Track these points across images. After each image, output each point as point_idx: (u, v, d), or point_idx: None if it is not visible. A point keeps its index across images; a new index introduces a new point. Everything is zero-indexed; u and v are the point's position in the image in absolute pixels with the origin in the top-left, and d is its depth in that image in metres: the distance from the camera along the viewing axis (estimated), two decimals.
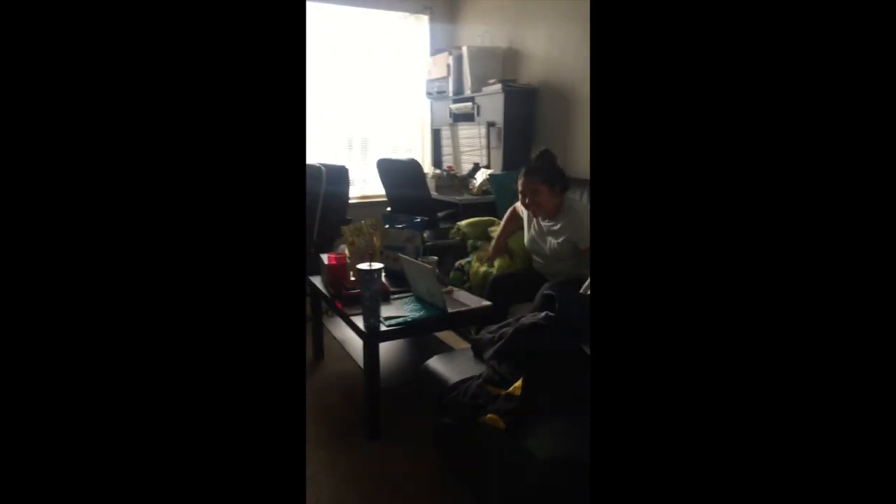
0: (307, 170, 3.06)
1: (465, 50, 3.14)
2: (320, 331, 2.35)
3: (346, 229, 2.20)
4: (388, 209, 3.06)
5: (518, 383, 1.28)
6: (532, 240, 2.16)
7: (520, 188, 2.06)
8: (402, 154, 3.61)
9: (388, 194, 3.13)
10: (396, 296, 1.97)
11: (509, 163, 2.94)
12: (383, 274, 2.09)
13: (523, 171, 2.06)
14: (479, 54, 3.12)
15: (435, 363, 1.55)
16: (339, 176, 3.03)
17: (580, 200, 2.17)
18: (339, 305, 1.91)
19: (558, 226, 2.04)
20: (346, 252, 2.15)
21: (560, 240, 2.03)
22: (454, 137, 3.60)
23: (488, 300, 1.95)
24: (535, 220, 2.13)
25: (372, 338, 1.66)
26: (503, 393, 1.28)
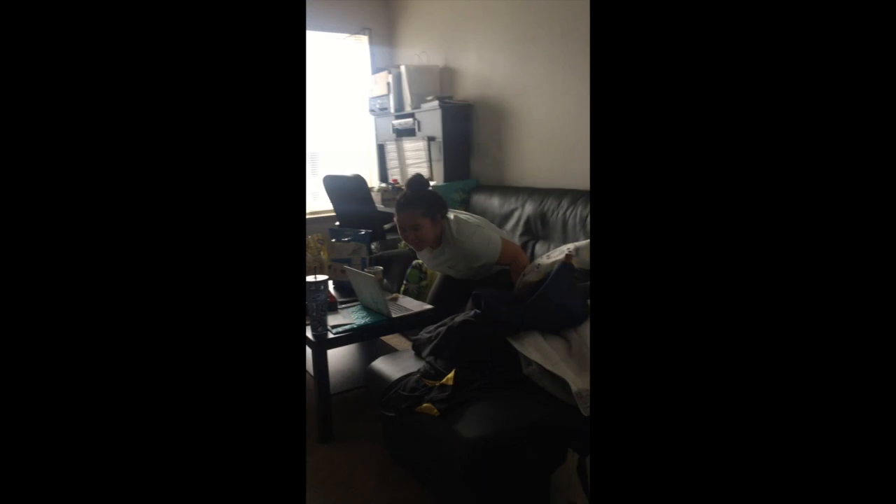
0: None
1: (403, 69, 3.30)
2: None
3: (309, 238, 2.30)
4: (337, 223, 3.16)
5: (450, 375, 1.42)
6: (432, 264, 2.10)
7: (398, 224, 1.92)
8: (349, 169, 3.72)
9: (335, 209, 3.24)
10: (344, 305, 2.08)
11: (451, 174, 3.11)
12: (330, 285, 2.20)
13: (398, 204, 1.90)
14: (416, 72, 3.29)
15: (379, 364, 1.67)
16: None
17: (455, 220, 1.96)
18: None
19: (445, 255, 1.97)
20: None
21: (454, 265, 2.00)
22: (399, 151, 3.74)
23: (437, 300, 2.09)
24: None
25: (319, 346, 1.76)
26: (437, 384, 1.42)
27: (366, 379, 1.70)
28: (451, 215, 1.98)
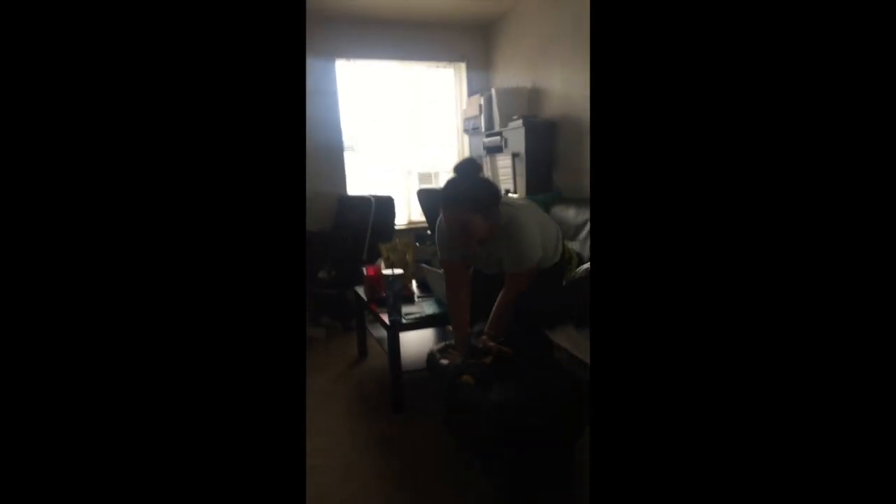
0: (358, 201, 3.61)
1: (493, 91, 3.60)
2: (364, 334, 2.81)
3: (383, 248, 2.67)
4: (428, 232, 3.51)
5: (488, 358, 1.64)
6: (478, 263, 1.79)
7: (443, 225, 1.62)
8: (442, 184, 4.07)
9: (427, 219, 3.60)
10: (421, 298, 2.39)
11: (532, 187, 3.32)
12: (413, 281, 2.53)
13: (443, 200, 1.56)
14: (505, 94, 3.56)
15: (436, 347, 1.94)
16: (386, 206, 3.55)
17: (519, 211, 1.66)
18: (374, 307, 2.35)
19: (494, 247, 1.66)
20: (382, 265, 2.61)
21: (490, 263, 1.74)
22: (492, 167, 4.03)
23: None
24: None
25: (392, 328, 2.08)
26: (481, 361, 1.65)
27: (428, 359, 1.98)
28: (510, 208, 1.65)
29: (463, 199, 1.53)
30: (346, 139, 3.82)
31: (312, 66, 3.57)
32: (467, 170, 1.59)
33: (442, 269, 1.89)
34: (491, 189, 1.60)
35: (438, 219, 1.68)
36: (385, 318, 2.14)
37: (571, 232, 2.81)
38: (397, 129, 4.11)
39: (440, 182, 4.24)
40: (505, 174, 3.76)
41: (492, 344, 1.59)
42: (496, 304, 1.66)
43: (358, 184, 3.93)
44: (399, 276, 2.12)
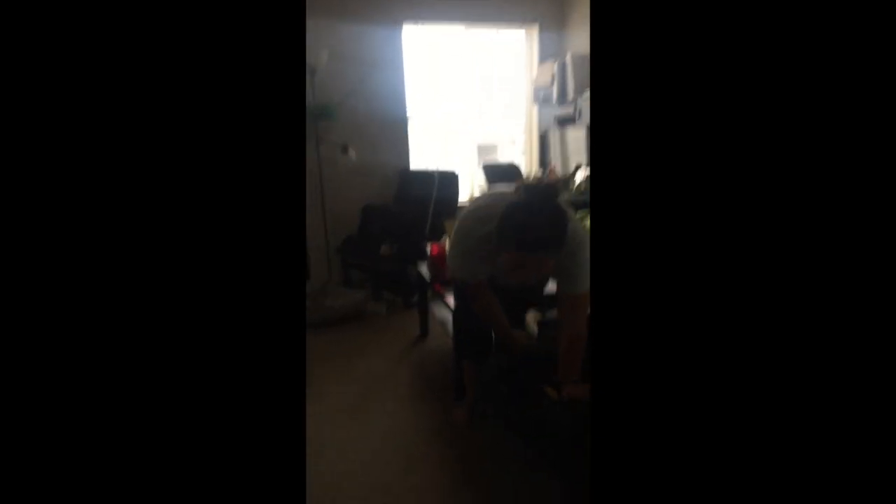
0: (421, 176, 3.49)
1: (568, 57, 3.32)
2: (426, 313, 2.73)
3: (449, 225, 2.54)
4: None
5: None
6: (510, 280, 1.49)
7: (518, 261, 1.25)
8: (513, 157, 3.87)
9: None
10: None
11: None
12: None
13: (527, 244, 1.21)
14: (581, 61, 3.28)
15: None
16: (449, 181, 3.41)
17: (577, 222, 1.38)
18: (438, 288, 2.25)
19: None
20: (447, 243, 2.49)
21: (544, 278, 1.66)
22: (563, 140, 3.78)
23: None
24: None
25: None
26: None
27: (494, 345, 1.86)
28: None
29: (537, 244, 1.20)
30: (410, 110, 3.68)
31: (375, 33, 3.44)
32: (544, 202, 1.22)
33: (459, 291, 1.68)
34: (565, 220, 1.23)
35: (457, 231, 1.46)
36: (450, 300, 2.03)
37: None
38: (463, 99, 3.92)
39: (503, 156, 4.04)
40: (577, 148, 3.51)
41: (577, 390, 1.36)
42: (564, 342, 1.39)
43: (421, 157, 3.80)
44: None
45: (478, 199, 1.60)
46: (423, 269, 2.56)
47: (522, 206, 1.23)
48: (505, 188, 1.55)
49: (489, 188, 3.42)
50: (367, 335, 2.81)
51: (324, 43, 3.15)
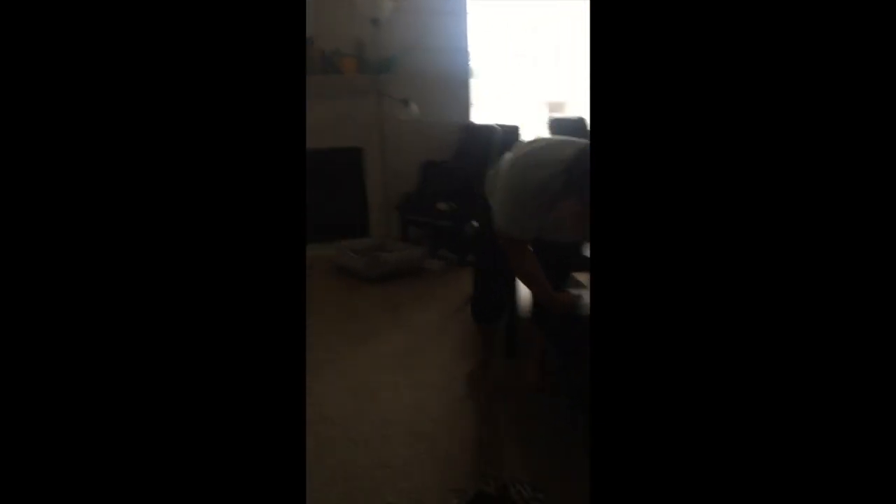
0: (483, 131, 3.39)
1: None
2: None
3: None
4: None
5: None
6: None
7: (580, 217, 1.24)
8: (582, 114, 3.67)
9: None
10: None
11: None
12: None
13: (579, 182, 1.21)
14: None
15: None
16: (511, 136, 3.29)
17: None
18: None
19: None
20: None
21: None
22: None
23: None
24: None
25: None
26: None
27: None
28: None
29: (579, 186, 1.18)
30: (474, 64, 3.56)
31: None
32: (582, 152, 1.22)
33: (490, 252, 1.52)
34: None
35: (509, 178, 1.35)
36: None
37: None
38: (526, 52, 3.74)
39: (570, 111, 3.83)
40: None
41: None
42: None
43: (484, 112, 3.69)
44: None
45: (530, 142, 1.49)
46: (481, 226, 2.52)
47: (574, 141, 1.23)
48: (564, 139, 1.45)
49: None
50: (422, 290, 2.82)
51: None
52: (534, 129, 3.74)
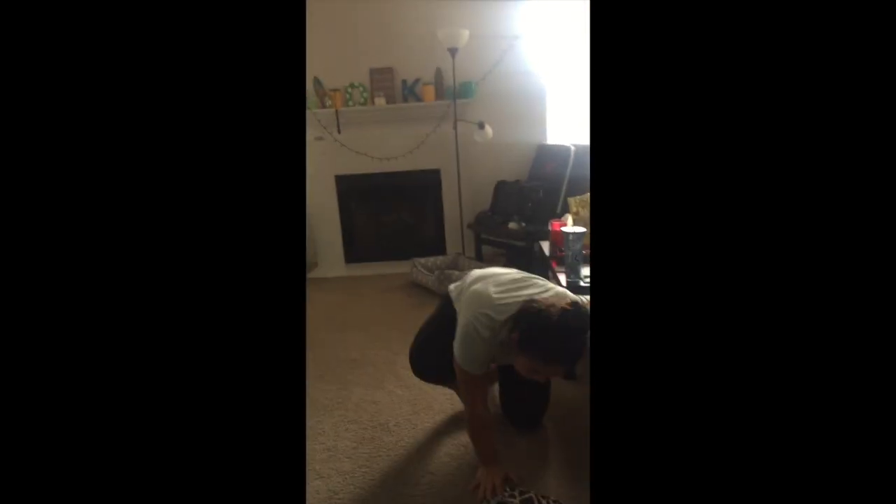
0: (556, 150, 3.41)
1: None
2: None
3: (572, 201, 2.48)
4: None
5: None
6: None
7: (531, 370, 1.32)
8: None
9: None
10: None
11: None
12: None
13: (548, 358, 1.28)
14: None
15: None
16: (586, 156, 3.28)
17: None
18: (554, 264, 2.23)
19: None
20: (570, 220, 2.43)
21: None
22: None
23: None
24: None
25: (570, 291, 1.93)
26: None
27: None
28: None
29: (562, 359, 1.30)
30: (550, 85, 3.59)
31: (514, 9, 3.41)
32: (581, 326, 1.24)
33: (462, 381, 1.50)
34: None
35: (469, 323, 1.37)
36: (562, 277, 2.00)
37: None
38: None
39: None
40: None
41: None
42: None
43: (560, 133, 3.70)
44: (580, 234, 1.94)
45: (487, 293, 1.44)
46: (545, 246, 2.55)
47: (559, 323, 1.24)
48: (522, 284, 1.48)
49: None
50: None
51: (465, 23, 3.23)
52: None
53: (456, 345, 1.42)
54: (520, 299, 1.36)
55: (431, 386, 2.06)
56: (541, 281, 1.54)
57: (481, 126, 3.32)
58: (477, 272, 1.62)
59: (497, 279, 1.50)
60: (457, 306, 1.57)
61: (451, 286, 1.71)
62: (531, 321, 1.26)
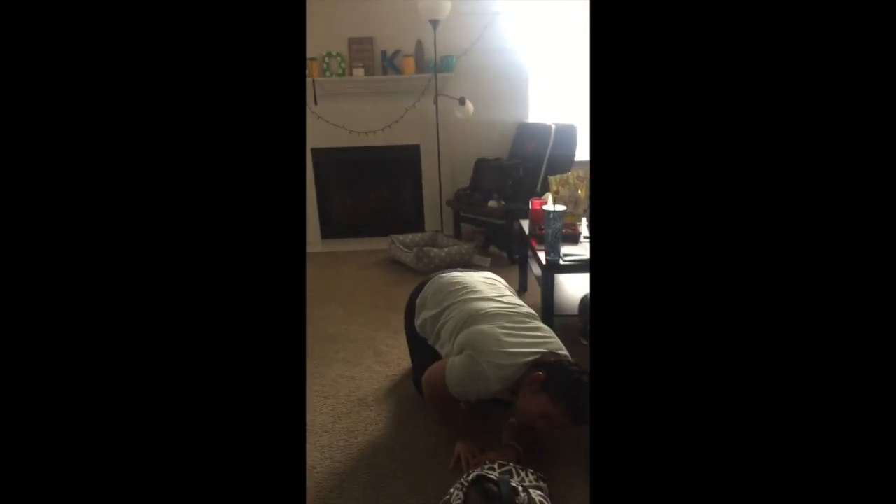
0: (537, 129, 3.40)
1: None
2: (525, 269, 2.73)
3: (552, 179, 2.48)
4: None
5: None
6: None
7: (542, 413, 1.35)
8: None
9: None
10: (588, 240, 2.18)
11: None
12: (584, 220, 2.32)
13: (541, 391, 1.34)
14: None
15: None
16: (566, 134, 3.27)
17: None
18: (534, 243, 2.23)
19: None
20: (550, 199, 2.44)
21: None
22: None
23: None
24: None
25: (547, 269, 1.95)
26: None
27: (580, 307, 1.81)
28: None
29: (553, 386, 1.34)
30: (530, 63, 3.56)
31: None
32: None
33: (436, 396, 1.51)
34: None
35: (474, 362, 1.40)
36: (542, 256, 2.01)
37: None
38: (582, 51, 3.68)
39: None
40: None
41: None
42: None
43: (541, 112, 3.68)
44: (560, 213, 1.94)
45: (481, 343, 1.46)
46: (525, 225, 2.55)
47: (582, 379, 1.34)
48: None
49: None
50: None
51: None
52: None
53: (453, 377, 1.42)
54: (532, 350, 1.42)
55: (409, 361, 2.07)
56: (537, 322, 1.57)
57: (462, 102, 3.27)
58: (457, 295, 1.65)
59: (496, 320, 1.51)
60: (425, 335, 1.69)
61: (417, 322, 1.74)
62: (558, 367, 1.34)
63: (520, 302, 1.67)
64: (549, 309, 1.98)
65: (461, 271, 1.82)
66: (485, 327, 1.48)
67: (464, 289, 1.67)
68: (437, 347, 1.64)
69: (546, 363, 1.37)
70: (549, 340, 1.50)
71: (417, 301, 1.75)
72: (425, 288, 1.76)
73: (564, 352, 1.47)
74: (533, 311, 1.62)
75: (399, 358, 2.12)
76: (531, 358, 1.39)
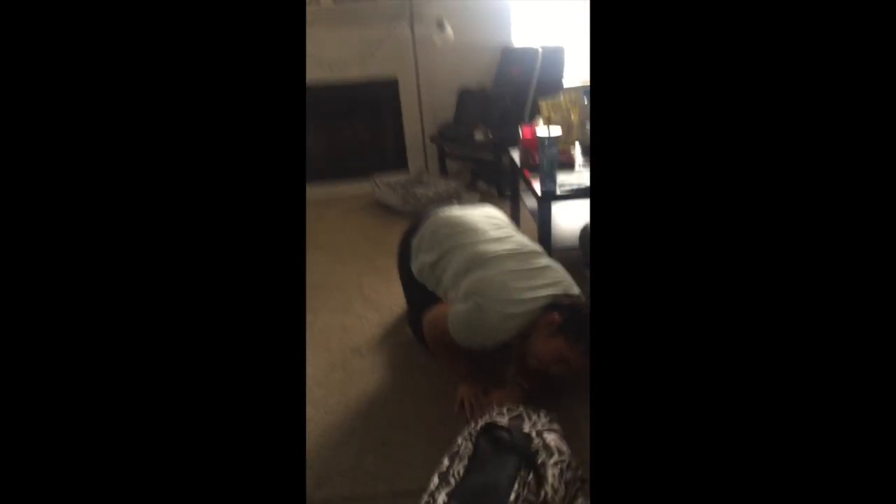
0: (523, 53, 3.16)
1: None
2: (517, 203, 2.59)
3: (543, 104, 2.29)
4: None
5: None
6: None
7: (558, 357, 1.28)
8: None
9: None
10: (586, 166, 2.04)
11: None
12: (578, 145, 2.17)
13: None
14: None
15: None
16: (554, 57, 3.05)
17: None
18: (527, 174, 2.09)
19: None
20: (540, 125, 2.27)
21: None
22: None
23: None
24: None
25: (544, 199, 1.81)
26: None
27: (580, 238, 1.70)
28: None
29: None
30: None
31: None
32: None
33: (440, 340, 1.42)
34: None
35: (482, 308, 1.29)
36: (537, 186, 1.87)
37: None
38: None
39: None
40: None
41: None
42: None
43: (526, 34, 3.42)
44: (555, 138, 1.79)
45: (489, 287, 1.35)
46: (516, 156, 2.39)
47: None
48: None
49: None
50: None
51: None
52: (578, 50, 3.44)
53: (458, 327, 1.32)
54: (543, 292, 1.31)
55: (401, 306, 1.97)
56: (546, 260, 1.45)
57: (440, 25, 3.00)
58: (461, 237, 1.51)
59: (503, 264, 1.39)
60: (423, 280, 1.55)
61: (415, 266, 1.60)
62: (574, 309, 1.26)
63: (525, 240, 1.54)
64: (546, 242, 1.87)
65: (460, 208, 1.68)
66: (491, 273, 1.35)
67: (465, 231, 1.52)
68: (439, 292, 1.53)
69: (561, 305, 1.27)
70: (561, 280, 1.38)
71: (413, 242, 1.62)
72: (421, 228, 1.62)
73: (577, 291, 1.36)
74: (540, 248, 1.50)
75: (391, 304, 2.01)
76: (543, 302, 1.28)
